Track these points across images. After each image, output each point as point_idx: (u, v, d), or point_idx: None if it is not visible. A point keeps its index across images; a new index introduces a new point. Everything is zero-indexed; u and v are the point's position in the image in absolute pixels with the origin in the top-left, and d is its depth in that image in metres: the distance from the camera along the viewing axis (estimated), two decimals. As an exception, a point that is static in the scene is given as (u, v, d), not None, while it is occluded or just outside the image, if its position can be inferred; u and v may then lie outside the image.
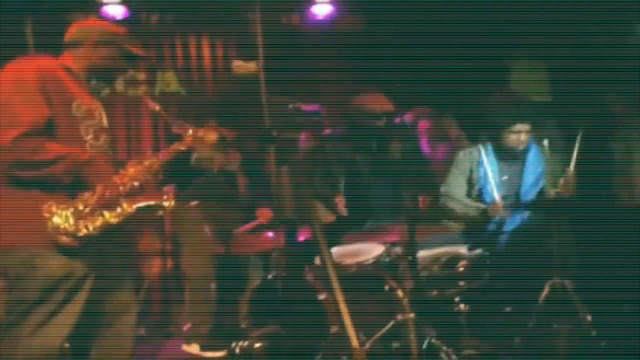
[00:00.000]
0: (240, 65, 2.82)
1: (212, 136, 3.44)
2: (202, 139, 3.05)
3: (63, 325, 2.70)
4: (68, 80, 2.84)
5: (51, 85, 2.74)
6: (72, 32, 3.00)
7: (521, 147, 4.56)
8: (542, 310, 3.87)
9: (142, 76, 6.74)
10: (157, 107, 3.06)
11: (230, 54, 6.73)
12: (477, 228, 4.58)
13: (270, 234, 4.40)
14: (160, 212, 2.81)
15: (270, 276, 4.27)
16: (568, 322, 3.81)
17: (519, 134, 4.53)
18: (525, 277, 4.06)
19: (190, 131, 2.99)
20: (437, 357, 3.75)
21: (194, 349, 4.97)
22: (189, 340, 5.03)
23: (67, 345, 2.85)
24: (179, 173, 4.95)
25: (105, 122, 2.96)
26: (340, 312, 2.28)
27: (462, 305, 4.09)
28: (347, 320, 2.29)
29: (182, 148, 2.98)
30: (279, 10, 6.71)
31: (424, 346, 3.77)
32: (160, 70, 6.77)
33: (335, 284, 2.37)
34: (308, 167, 4.89)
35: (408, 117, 5.44)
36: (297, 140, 5.03)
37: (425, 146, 5.42)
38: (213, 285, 4.94)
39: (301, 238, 4.28)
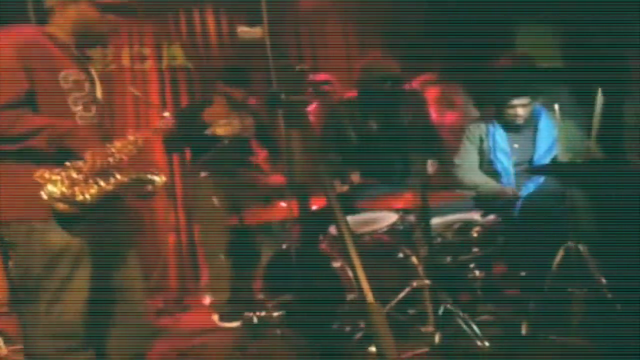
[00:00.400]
0: (245, 31, 2.80)
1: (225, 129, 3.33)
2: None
3: (74, 302, 2.68)
4: (54, 50, 2.74)
5: (33, 56, 2.65)
6: None
7: (520, 121, 4.55)
8: (556, 275, 3.86)
9: (148, 51, 6.71)
10: (139, 94, 3.02)
11: (235, 21, 6.71)
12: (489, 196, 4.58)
13: (283, 203, 4.40)
14: (150, 187, 2.79)
15: (284, 246, 4.29)
16: (583, 285, 3.81)
17: (515, 108, 4.52)
18: (539, 241, 4.05)
19: (167, 113, 2.98)
20: (453, 322, 3.77)
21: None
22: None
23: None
24: (193, 139, 4.96)
25: (98, 93, 2.89)
26: (358, 278, 2.27)
27: (477, 272, 4.11)
28: (364, 283, 2.29)
29: (163, 127, 2.97)
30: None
31: (440, 312, 3.79)
32: (167, 44, 6.74)
33: (352, 250, 2.36)
34: (320, 133, 4.88)
35: (415, 84, 5.41)
36: (306, 103, 5.01)
37: (433, 113, 5.40)
38: (223, 257, 4.96)
39: (314, 207, 4.27)
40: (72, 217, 2.63)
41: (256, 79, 5.09)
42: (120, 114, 6.37)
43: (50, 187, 2.57)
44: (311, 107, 5.47)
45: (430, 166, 4.61)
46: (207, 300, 5.35)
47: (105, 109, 2.96)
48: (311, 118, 5.29)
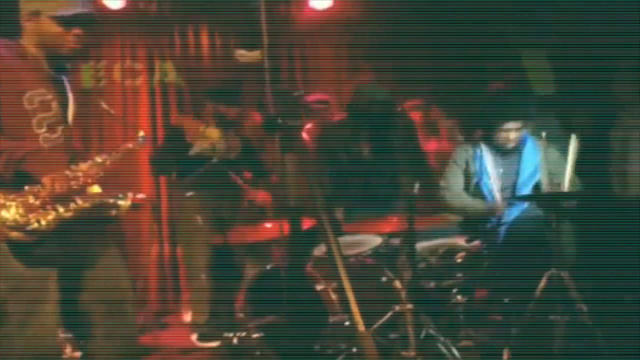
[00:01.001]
0: (243, 54, 2.82)
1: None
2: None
3: (45, 325, 2.65)
4: (23, 69, 2.70)
5: None
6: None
7: (511, 145, 4.57)
8: (539, 301, 3.87)
9: (140, 66, 6.72)
10: (112, 111, 2.98)
11: (230, 42, 6.73)
12: (475, 220, 4.59)
13: (268, 224, 4.40)
14: (114, 212, 2.74)
15: (268, 267, 4.28)
16: (565, 312, 3.81)
17: (508, 132, 4.53)
18: (523, 268, 4.06)
19: (142, 133, 2.89)
20: (434, 347, 3.77)
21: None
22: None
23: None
24: (179, 162, 4.96)
25: (70, 112, 2.83)
26: (344, 301, 2.28)
27: (459, 296, 4.11)
28: (354, 307, 2.30)
29: (132, 147, 2.84)
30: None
31: (422, 336, 3.79)
32: (159, 59, 6.76)
33: (343, 273, 2.37)
34: (314, 155, 4.90)
35: (402, 109, 5.44)
36: (302, 129, 5.03)
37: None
38: (205, 276, 4.95)
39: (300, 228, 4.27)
40: (27, 245, 2.56)
41: (247, 99, 5.11)
42: (95, 133, 6.42)
43: (3, 213, 2.50)
44: (307, 127, 5.48)
45: (417, 188, 4.63)
46: (187, 317, 5.33)
47: (74, 129, 2.88)
48: (306, 137, 5.30)
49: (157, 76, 6.75)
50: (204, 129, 4.81)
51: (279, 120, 2.55)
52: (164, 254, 6.48)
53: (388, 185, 4.75)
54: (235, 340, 3.74)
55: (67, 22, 2.74)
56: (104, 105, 2.93)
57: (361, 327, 2.29)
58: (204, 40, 6.85)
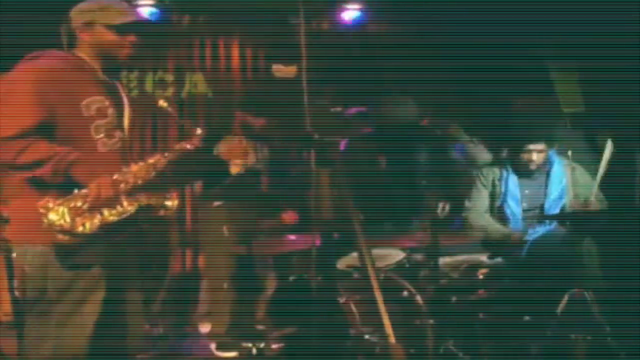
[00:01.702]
0: (279, 69, 2.86)
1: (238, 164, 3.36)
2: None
3: (83, 325, 2.69)
4: (79, 77, 2.76)
5: (51, 86, 2.67)
6: (70, 20, 2.88)
7: (533, 167, 4.57)
8: (560, 320, 3.86)
9: (170, 77, 6.81)
10: (170, 109, 3.03)
11: (262, 54, 6.81)
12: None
13: (292, 236, 4.44)
14: (162, 212, 2.79)
15: (291, 278, 4.31)
16: (586, 332, 3.80)
17: (530, 153, 4.54)
18: (545, 286, 4.06)
19: (199, 131, 2.96)
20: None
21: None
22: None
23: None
24: (207, 173, 5.01)
25: (125, 118, 2.89)
26: (366, 314, 2.32)
27: (480, 313, 4.11)
28: (385, 319, 2.33)
29: (189, 147, 2.88)
30: (318, 14, 6.79)
31: (441, 351, 3.80)
32: (188, 71, 6.84)
33: (375, 285, 2.40)
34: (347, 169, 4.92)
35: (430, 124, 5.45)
36: (338, 144, 5.04)
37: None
38: (227, 286, 4.98)
39: (318, 242, 4.31)
40: (73, 248, 2.62)
41: (282, 113, 5.15)
42: (148, 136, 6.56)
43: (51, 216, 2.55)
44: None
45: (442, 209, 4.63)
46: (205, 328, 5.36)
47: (130, 133, 2.94)
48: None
49: (186, 88, 6.83)
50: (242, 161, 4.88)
51: (316, 136, 2.58)
52: (185, 263, 6.53)
53: (411, 200, 4.77)
54: (254, 351, 3.76)
55: (122, 30, 2.83)
56: (163, 103, 2.95)
57: (392, 339, 2.32)
58: (236, 53, 6.92)
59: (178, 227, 6.32)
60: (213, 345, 4.98)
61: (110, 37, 2.82)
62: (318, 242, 4.18)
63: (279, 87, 5.71)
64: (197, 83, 6.84)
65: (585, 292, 3.84)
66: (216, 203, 4.97)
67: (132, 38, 2.86)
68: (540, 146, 4.54)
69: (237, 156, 4.90)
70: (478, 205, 4.71)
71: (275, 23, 6.32)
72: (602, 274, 4.45)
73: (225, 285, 4.97)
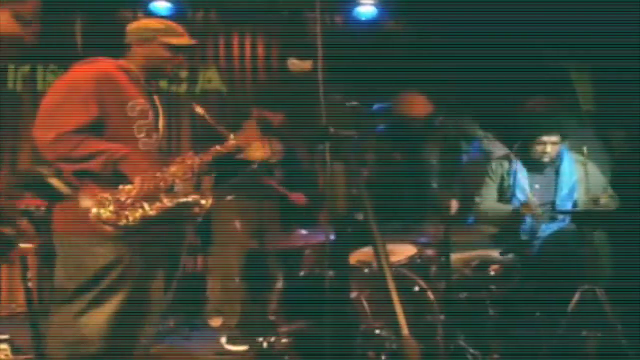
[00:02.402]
0: (295, 64, 2.90)
1: (258, 153, 3.58)
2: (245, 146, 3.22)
3: (105, 313, 2.86)
4: (125, 82, 3.00)
5: (106, 87, 2.92)
6: (126, 34, 3.18)
7: (546, 159, 4.55)
8: (572, 317, 3.85)
9: (183, 74, 6.84)
10: (202, 111, 3.22)
11: (276, 50, 6.82)
12: (510, 232, 4.58)
13: (304, 231, 4.45)
14: (197, 209, 2.94)
15: (302, 273, 4.33)
16: (598, 329, 3.79)
17: (544, 145, 4.52)
18: (557, 283, 4.04)
19: (232, 136, 3.12)
20: (463, 358, 3.76)
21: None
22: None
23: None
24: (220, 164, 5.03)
25: (159, 122, 3.14)
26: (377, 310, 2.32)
27: (491, 309, 4.10)
28: (398, 309, 2.35)
29: (223, 151, 3.12)
30: (332, 10, 6.80)
31: (452, 348, 3.79)
32: (202, 68, 6.87)
33: (390, 282, 2.42)
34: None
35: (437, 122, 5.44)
36: (353, 139, 5.05)
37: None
38: (238, 280, 5.01)
39: (332, 237, 4.32)
40: (115, 238, 2.82)
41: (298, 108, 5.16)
42: (184, 137, 6.67)
43: (97, 209, 2.76)
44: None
45: (453, 206, 4.63)
46: (215, 322, 5.38)
47: (167, 135, 3.30)
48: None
49: (199, 85, 6.86)
50: (262, 145, 4.91)
51: (331, 130, 2.63)
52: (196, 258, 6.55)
53: (424, 195, 4.77)
54: (264, 345, 3.78)
55: (175, 49, 3.13)
56: (198, 109, 3.19)
57: (405, 331, 2.34)
58: (249, 48, 6.94)
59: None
60: (223, 339, 5.01)
61: (163, 53, 3.12)
62: (332, 237, 4.21)
63: (295, 81, 5.70)
64: (211, 79, 6.87)
65: (597, 290, 3.82)
66: (229, 197, 4.99)
67: (181, 59, 3.19)
68: (555, 138, 4.52)
69: (255, 146, 4.93)
70: (487, 199, 4.70)
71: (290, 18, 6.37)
72: (613, 271, 4.44)
73: (236, 280, 4.99)
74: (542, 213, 4.49)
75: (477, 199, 4.73)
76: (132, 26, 3.19)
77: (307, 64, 3.12)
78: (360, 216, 4.56)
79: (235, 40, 6.96)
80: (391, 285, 2.43)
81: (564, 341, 3.83)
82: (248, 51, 6.95)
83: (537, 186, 4.62)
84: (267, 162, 5.04)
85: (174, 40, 3.12)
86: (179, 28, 3.19)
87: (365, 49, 6.91)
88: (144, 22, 3.26)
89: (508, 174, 4.65)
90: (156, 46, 3.11)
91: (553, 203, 4.60)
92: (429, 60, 6.41)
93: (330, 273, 3.76)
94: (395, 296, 2.40)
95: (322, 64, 2.84)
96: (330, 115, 2.74)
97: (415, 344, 2.43)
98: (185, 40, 3.18)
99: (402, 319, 2.36)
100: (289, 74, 3.20)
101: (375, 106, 5.67)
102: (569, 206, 4.54)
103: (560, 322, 3.84)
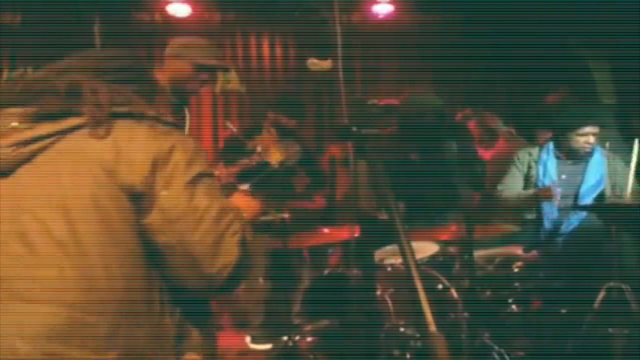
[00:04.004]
0: (315, 63, 2.91)
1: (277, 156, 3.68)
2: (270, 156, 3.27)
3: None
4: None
5: None
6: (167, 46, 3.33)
7: (587, 150, 4.52)
8: (598, 314, 3.82)
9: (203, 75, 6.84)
10: (234, 128, 3.27)
11: (294, 50, 6.83)
12: (533, 229, 4.56)
13: (326, 229, 4.45)
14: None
15: (326, 272, 4.32)
16: (624, 327, 3.76)
17: (587, 136, 4.48)
18: (582, 279, 4.02)
19: (259, 148, 3.16)
20: (488, 356, 3.75)
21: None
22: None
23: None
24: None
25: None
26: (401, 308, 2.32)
27: (515, 306, 4.08)
28: (425, 307, 2.33)
29: (252, 163, 3.13)
30: (349, 9, 6.81)
31: (476, 346, 3.78)
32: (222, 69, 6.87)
33: (418, 281, 2.41)
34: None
35: (457, 119, 5.44)
36: (375, 137, 5.04)
37: (476, 146, 5.41)
38: (262, 279, 5.01)
39: (356, 234, 4.31)
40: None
41: (308, 107, 5.17)
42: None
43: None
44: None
45: (474, 200, 4.61)
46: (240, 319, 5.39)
47: None
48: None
49: (219, 85, 6.87)
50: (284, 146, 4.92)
51: (353, 129, 2.62)
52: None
53: (446, 193, 4.75)
54: (289, 344, 3.78)
55: (199, 67, 3.27)
56: (228, 124, 3.28)
57: (432, 327, 2.32)
58: (267, 49, 6.95)
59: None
60: (248, 339, 5.01)
61: (189, 71, 3.28)
62: (346, 235, 4.21)
63: (315, 81, 5.72)
64: (230, 79, 6.87)
65: (623, 286, 3.79)
66: (243, 186, 4.99)
67: (205, 76, 3.34)
68: (596, 129, 4.48)
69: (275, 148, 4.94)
70: (511, 186, 4.68)
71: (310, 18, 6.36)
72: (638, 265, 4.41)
73: (260, 279, 4.99)
74: (559, 198, 4.46)
75: (499, 187, 4.71)
76: (173, 40, 3.32)
77: (326, 64, 3.13)
78: (384, 215, 4.56)
79: (253, 40, 6.97)
80: (418, 284, 2.41)
81: (590, 340, 3.80)
82: (266, 51, 6.96)
83: (563, 177, 4.58)
84: (287, 163, 5.03)
85: (205, 61, 3.26)
86: (212, 49, 3.35)
87: (385, 46, 6.93)
88: (181, 40, 3.38)
89: (537, 162, 4.61)
90: (182, 64, 3.24)
91: (577, 196, 4.57)
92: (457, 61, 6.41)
93: (355, 271, 3.76)
94: (422, 295, 2.38)
95: (342, 62, 2.86)
96: (353, 114, 2.75)
97: (444, 341, 2.41)
98: (213, 61, 3.33)
99: (429, 317, 2.34)
100: (308, 74, 3.23)
101: (388, 102, 5.68)
102: (589, 200, 4.51)
103: (585, 320, 3.82)
